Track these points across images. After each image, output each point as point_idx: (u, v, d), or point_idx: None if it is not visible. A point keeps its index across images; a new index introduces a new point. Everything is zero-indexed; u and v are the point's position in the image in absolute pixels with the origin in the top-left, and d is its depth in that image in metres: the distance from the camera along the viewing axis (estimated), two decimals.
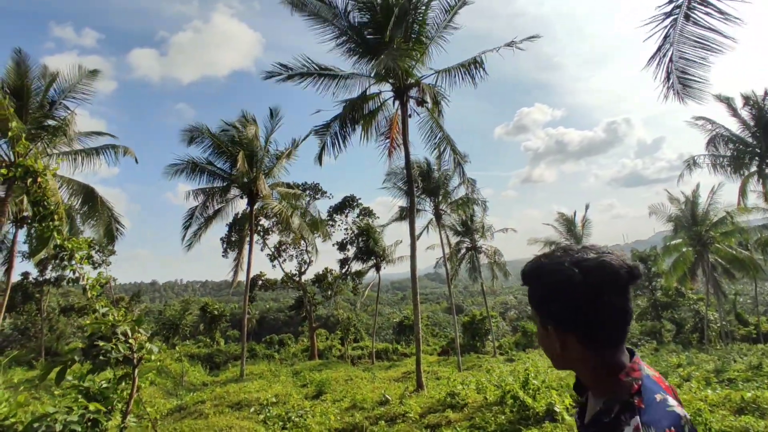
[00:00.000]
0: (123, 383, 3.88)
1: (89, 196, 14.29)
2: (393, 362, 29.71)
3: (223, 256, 30.00)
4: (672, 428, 0.87)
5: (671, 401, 0.93)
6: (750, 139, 22.97)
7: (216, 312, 35.66)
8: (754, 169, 23.07)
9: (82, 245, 4.63)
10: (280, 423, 7.95)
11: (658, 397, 0.94)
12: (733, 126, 23.28)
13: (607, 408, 0.96)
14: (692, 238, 29.30)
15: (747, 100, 22.73)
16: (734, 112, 22.81)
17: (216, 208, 21.60)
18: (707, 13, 9.35)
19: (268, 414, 8.50)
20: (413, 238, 14.83)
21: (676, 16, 9.63)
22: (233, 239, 29.50)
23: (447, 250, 29.01)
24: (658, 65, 10.08)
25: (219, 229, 40.60)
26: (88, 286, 4.69)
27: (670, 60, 9.84)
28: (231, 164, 21.13)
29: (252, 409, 9.09)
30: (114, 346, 3.71)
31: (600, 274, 0.96)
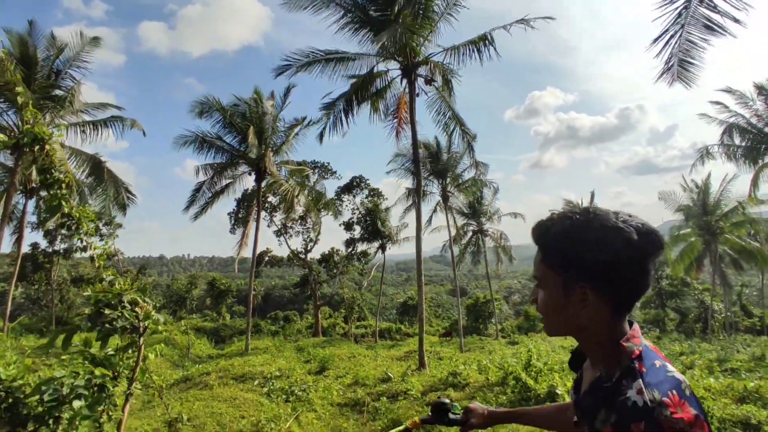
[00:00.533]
0: (129, 351, 3.92)
1: (96, 168, 14.34)
2: (396, 341, 30.02)
3: (231, 231, 30.18)
4: (674, 391, 0.84)
5: (670, 367, 0.92)
6: (766, 129, 22.49)
7: (223, 287, 36.07)
8: None
9: (89, 214, 4.64)
10: (284, 396, 8.09)
11: (658, 362, 0.92)
12: (749, 115, 22.78)
13: (608, 373, 0.93)
14: (701, 227, 29.05)
15: (761, 89, 22.17)
16: (749, 102, 22.29)
17: (224, 183, 21.67)
18: None
19: (271, 387, 8.63)
20: (419, 219, 14.77)
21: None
22: (241, 215, 29.61)
23: (453, 233, 28.95)
24: (665, 46, 9.85)
25: (226, 205, 40.77)
26: (95, 256, 4.72)
27: (676, 40, 9.62)
28: (240, 140, 21.08)
29: (256, 382, 9.23)
30: (120, 314, 3.74)
31: (650, 238, 0.94)
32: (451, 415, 1.52)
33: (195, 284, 37.60)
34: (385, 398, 8.02)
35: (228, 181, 22.09)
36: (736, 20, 8.52)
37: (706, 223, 28.71)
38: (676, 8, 9.04)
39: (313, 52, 13.40)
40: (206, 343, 23.41)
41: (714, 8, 8.64)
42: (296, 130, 22.48)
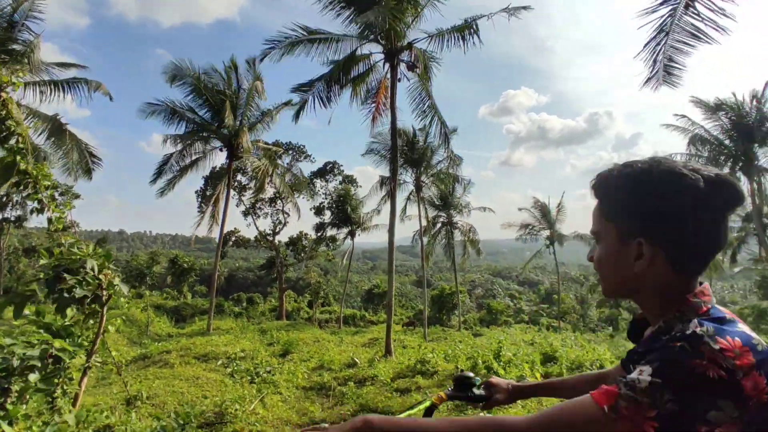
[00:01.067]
0: (90, 321, 3.64)
1: (57, 130, 13.46)
2: (360, 328, 30.04)
3: (198, 210, 29.29)
4: (737, 338, 0.74)
5: (742, 325, 0.81)
6: (727, 142, 23.49)
7: (186, 265, 35.08)
8: (727, 170, 23.69)
9: (47, 174, 4.28)
10: (248, 377, 7.87)
11: (728, 317, 0.81)
12: (712, 128, 23.71)
13: (668, 326, 0.83)
14: None
15: (723, 104, 23.09)
16: (713, 115, 23.17)
17: (194, 158, 20.85)
18: (705, 5, 9.31)
19: (235, 367, 8.39)
20: (393, 207, 14.66)
21: (675, 5, 9.58)
22: (208, 193, 28.75)
23: (424, 223, 29.07)
24: (651, 52, 10.07)
25: (192, 182, 39.52)
26: (53, 218, 4.37)
27: (661, 47, 9.84)
28: (212, 114, 20.31)
29: (219, 362, 8.96)
30: (82, 280, 3.44)
31: (722, 189, 0.83)
32: (475, 390, 1.41)
33: (156, 261, 36.39)
34: (352, 383, 7.93)
35: (197, 155, 21.31)
36: (720, 29, 8.75)
37: None
38: (662, 16, 9.23)
39: (295, 32, 12.98)
40: (166, 322, 22.71)
41: (698, 16, 8.87)
42: (275, 111, 21.81)
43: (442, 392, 1.41)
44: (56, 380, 3.16)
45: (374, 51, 14.16)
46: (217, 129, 20.29)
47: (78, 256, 3.63)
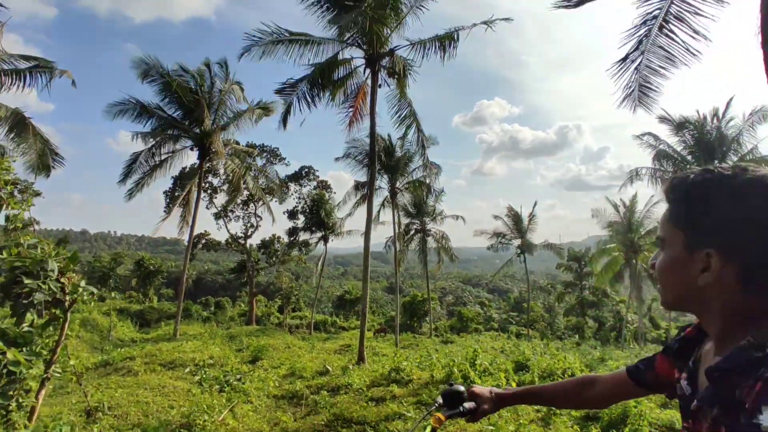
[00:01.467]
0: (50, 328, 3.39)
1: (20, 124, 12.77)
2: (331, 334, 29.73)
3: (164, 211, 28.41)
4: None
5: None
6: (690, 158, 24.48)
7: (153, 267, 33.96)
8: None
9: (7, 166, 4.00)
10: (217, 385, 7.58)
11: None
12: (676, 143, 24.68)
13: (759, 342, 0.75)
14: (625, 243, 31.19)
15: (686, 122, 24.09)
16: (677, 132, 24.13)
17: (163, 157, 20.21)
18: (680, 28, 9.66)
19: (203, 375, 8.08)
20: (370, 213, 14.59)
21: (650, 27, 9.90)
22: (177, 194, 27.97)
23: (398, 230, 29.07)
24: (623, 72, 10.37)
25: (160, 182, 38.41)
26: (11, 215, 4.08)
27: (637, 67, 10.15)
28: (184, 112, 19.78)
29: (187, 370, 8.60)
30: (42, 284, 3.20)
31: None
32: (465, 404, 1.33)
33: (120, 262, 35.08)
34: (325, 391, 7.76)
35: (167, 155, 20.66)
36: (693, 52, 9.07)
37: (629, 240, 30.85)
38: (639, 36, 9.52)
39: (276, 32, 12.81)
40: (130, 326, 21.83)
41: (672, 37, 9.18)
42: (250, 111, 21.39)
43: (440, 414, 1.33)
44: (11, 393, 2.92)
45: (355, 56, 14.16)
46: (188, 128, 19.78)
47: (38, 257, 3.39)
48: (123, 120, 19.47)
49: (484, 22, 12.77)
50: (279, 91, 14.10)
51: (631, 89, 9.63)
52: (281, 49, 13.04)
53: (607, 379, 1.23)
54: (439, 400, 1.36)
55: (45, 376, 3.38)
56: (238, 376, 8.04)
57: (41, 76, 14.14)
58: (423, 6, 13.49)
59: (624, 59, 9.61)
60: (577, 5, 9.34)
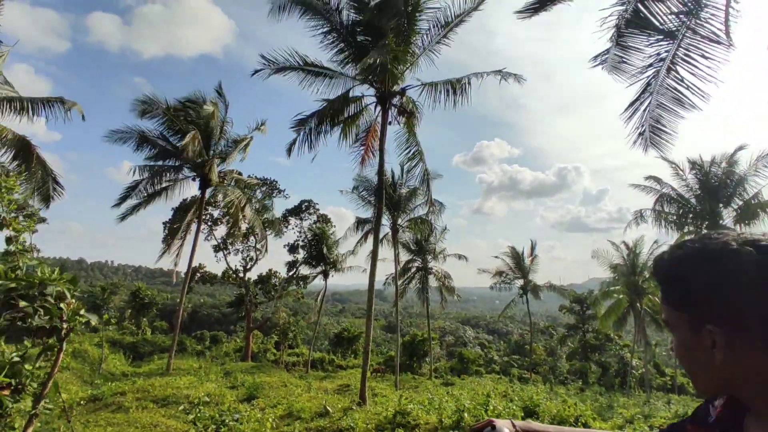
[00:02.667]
0: (42, 359, 3.12)
1: (24, 149, 12.75)
2: (328, 373, 28.83)
3: (163, 242, 28.13)
4: None
5: None
6: (693, 201, 24.47)
7: (147, 299, 33.32)
8: (692, 229, 24.55)
9: (12, 185, 3.84)
10: (213, 426, 7.13)
11: None
12: (679, 186, 24.74)
13: None
14: (629, 286, 30.76)
15: (694, 164, 24.26)
16: (681, 175, 24.25)
17: (163, 185, 20.15)
18: (687, 70, 9.77)
19: (198, 414, 7.62)
20: (375, 250, 14.41)
21: (658, 68, 10.03)
22: (176, 226, 27.79)
23: (399, 267, 28.72)
24: (633, 113, 10.43)
25: (159, 212, 38.34)
26: (12, 236, 3.89)
27: (646, 108, 10.22)
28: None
29: (181, 407, 8.14)
30: (39, 309, 2.97)
31: None
32: None
33: (114, 291, 34.44)
34: None
35: (168, 183, 20.62)
36: (702, 95, 9.12)
37: (633, 283, 30.43)
38: (648, 77, 9.62)
39: (292, 56, 13.07)
40: (122, 359, 21.15)
41: (681, 81, 9.26)
42: (245, 141, 21.54)
43: None
44: None
45: (367, 93, 14.34)
46: (187, 157, 19.79)
47: (37, 280, 3.17)
48: (124, 148, 19.66)
49: (498, 72, 13.01)
50: (294, 127, 14.21)
51: (643, 129, 9.63)
52: (293, 74, 13.34)
53: None
54: None
55: (33, 411, 3.09)
56: (236, 416, 7.60)
57: (54, 107, 14.30)
58: (435, 51, 13.78)
59: (635, 101, 9.68)
60: (537, 11, 9.33)
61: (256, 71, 13.01)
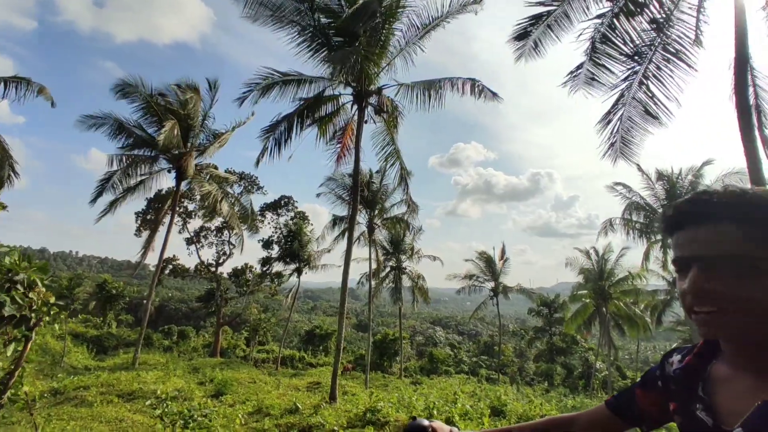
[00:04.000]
0: (12, 348, 3.04)
1: None
2: (298, 370, 28.66)
3: (135, 234, 27.44)
4: None
5: None
6: (660, 211, 25.38)
7: (114, 291, 32.38)
8: (659, 237, 25.48)
9: None
10: (181, 421, 7.02)
11: None
12: (647, 195, 25.63)
13: None
14: (596, 291, 31.69)
15: (661, 175, 25.19)
16: (650, 185, 25.13)
17: (139, 179, 19.65)
18: (657, 87, 10.17)
19: (165, 409, 7.48)
20: (349, 248, 14.42)
21: (631, 81, 10.40)
22: (150, 217, 27.11)
23: (374, 266, 28.77)
24: (606, 123, 10.79)
25: (131, 203, 37.24)
26: None
27: (620, 118, 10.59)
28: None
29: (148, 402, 7.97)
30: (8, 298, 2.90)
31: None
32: None
33: (79, 283, 33.30)
34: (296, 431, 7.31)
35: (144, 177, 20.12)
36: (668, 113, 9.51)
37: (600, 288, 31.37)
38: (620, 90, 9.96)
39: (271, 74, 13.15)
40: (84, 352, 20.46)
41: (652, 97, 9.63)
42: (225, 136, 21.21)
43: None
44: None
45: (344, 93, 14.37)
46: (166, 149, 19.37)
47: (6, 268, 3.08)
48: (95, 135, 19.11)
49: (472, 80, 13.22)
50: (263, 133, 14.08)
51: (614, 140, 9.96)
52: (276, 91, 13.36)
53: (586, 415, 1.18)
54: None
55: None
56: (206, 412, 7.49)
57: (18, 87, 13.77)
58: (411, 51, 13.88)
59: (608, 112, 10.02)
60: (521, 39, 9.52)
61: (242, 99, 13.01)
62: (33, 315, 3.08)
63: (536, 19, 9.07)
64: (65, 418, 6.70)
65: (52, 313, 3.29)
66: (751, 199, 0.80)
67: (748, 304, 0.78)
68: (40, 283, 3.16)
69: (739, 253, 0.79)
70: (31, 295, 3.04)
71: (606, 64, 9.38)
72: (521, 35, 9.28)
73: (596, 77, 9.49)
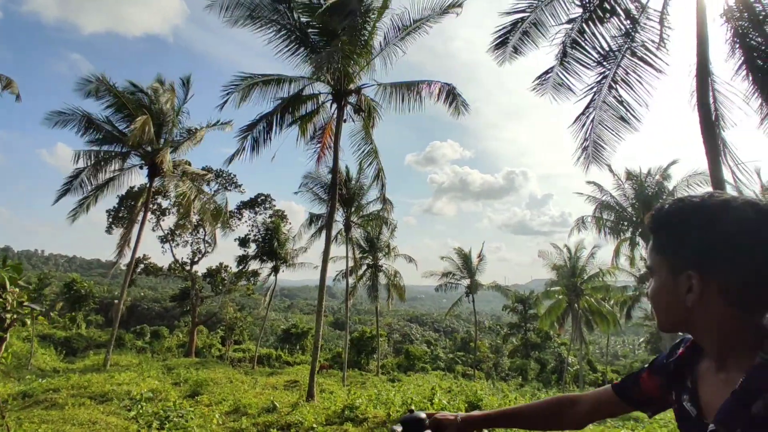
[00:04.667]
0: None
1: None
2: (275, 369, 28.49)
3: (106, 231, 26.73)
4: None
5: None
6: (630, 209, 26.21)
7: (83, 291, 31.46)
8: (628, 235, 26.31)
9: None
10: (157, 422, 6.95)
11: None
12: (617, 195, 26.39)
13: None
14: (568, 287, 32.51)
15: (630, 175, 25.98)
16: (620, 184, 25.89)
17: (110, 176, 19.13)
18: (626, 91, 10.51)
19: (140, 410, 7.38)
20: (327, 246, 14.45)
21: (602, 85, 10.72)
22: (121, 214, 26.46)
23: (351, 264, 28.79)
24: (580, 126, 11.07)
25: (103, 200, 36.21)
26: None
27: (591, 122, 10.90)
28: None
29: (122, 404, 7.86)
30: None
31: None
32: None
33: (48, 283, 32.26)
34: (274, 430, 7.33)
35: (114, 174, 19.57)
36: (636, 117, 9.84)
37: (572, 284, 32.19)
38: (591, 92, 10.25)
39: (250, 77, 13.05)
40: (53, 354, 19.86)
41: (621, 102, 9.95)
42: (200, 133, 20.86)
43: None
44: None
45: (323, 91, 14.35)
46: (136, 144, 18.88)
47: None
48: (65, 131, 18.42)
49: (449, 85, 13.44)
50: (241, 133, 13.94)
51: (587, 144, 10.22)
52: (256, 92, 13.28)
53: (590, 396, 1.21)
54: (398, 428, 1.19)
55: None
56: (181, 413, 7.43)
57: None
58: (391, 53, 13.97)
59: (581, 114, 10.29)
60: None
61: (223, 104, 12.93)
62: (8, 316, 3.03)
63: (512, 26, 9.26)
64: (36, 421, 6.54)
65: (25, 313, 3.25)
66: (656, 213, 0.93)
67: (659, 306, 0.93)
68: (9, 283, 3.11)
69: (651, 262, 0.94)
70: (5, 295, 3.00)
71: (576, 69, 9.64)
72: (500, 44, 9.48)
73: (565, 82, 9.74)
